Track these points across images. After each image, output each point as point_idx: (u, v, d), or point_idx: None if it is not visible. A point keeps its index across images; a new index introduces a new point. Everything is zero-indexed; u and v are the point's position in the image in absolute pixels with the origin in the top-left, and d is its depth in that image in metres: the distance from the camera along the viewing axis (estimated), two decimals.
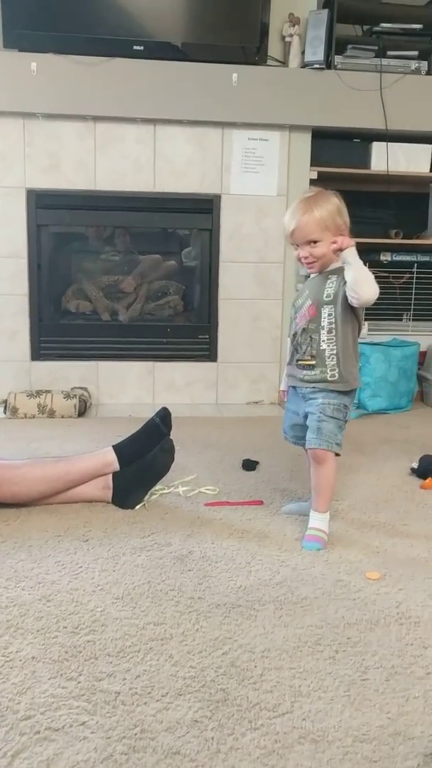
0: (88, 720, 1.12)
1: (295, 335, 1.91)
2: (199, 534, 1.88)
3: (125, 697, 1.18)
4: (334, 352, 1.84)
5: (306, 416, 1.88)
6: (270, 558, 1.74)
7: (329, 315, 1.84)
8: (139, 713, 1.14)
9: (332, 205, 1.81)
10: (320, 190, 1.89)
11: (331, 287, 1.84)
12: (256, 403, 3.57)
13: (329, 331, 1.84)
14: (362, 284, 1.75)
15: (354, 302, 1.79)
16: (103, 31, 3.15)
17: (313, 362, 1.86)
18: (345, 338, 1.84)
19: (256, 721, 1.13)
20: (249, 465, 2.46)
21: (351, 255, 1.76)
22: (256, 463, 2.49)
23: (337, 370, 1.84)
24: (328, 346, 1.84)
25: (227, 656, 1.31)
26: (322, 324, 1.85)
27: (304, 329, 1.88)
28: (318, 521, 1.86)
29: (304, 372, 1.88)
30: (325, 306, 1.85)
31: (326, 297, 1.84)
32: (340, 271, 1.83)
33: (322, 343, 1.85)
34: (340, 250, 1.76)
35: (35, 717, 1.13)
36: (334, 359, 1.84)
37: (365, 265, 1.79)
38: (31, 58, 3.11)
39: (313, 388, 1.86)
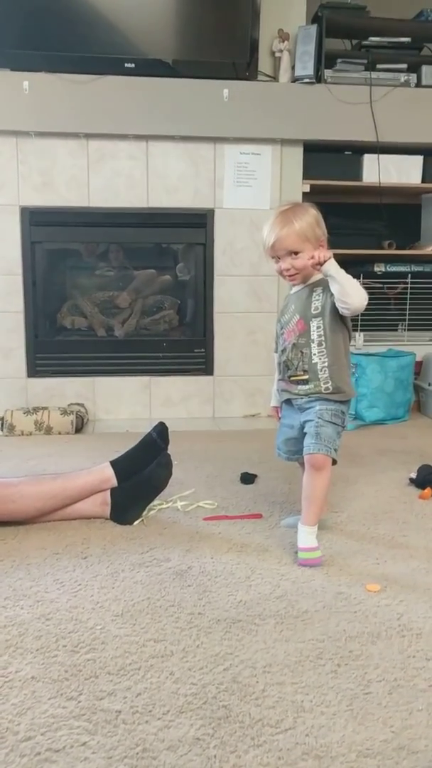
0: (89, 740, 1.11)
1: (284, 351, 1.90)
2: (198, 549, 1.87)
3: (126, 715, 1.17)
4: (326, 364, 1.83)
5: (302, 427, 1.88)
6: (270, 572, 1.73)
7: (318, 328, 1.84)
8: (141, 732, 1.13)
9: (311, 217, 1.82)
10: (296, 202, 1.91)
11: (317, 300, 1.84)
12: (253, 416, 3.56)
13: (319, 344, 1.84)
14: (349, 293, 1.75)
15: (346, 312, 1.79)
16: (95, 49, 3.18)
17: (306, 377, 1.86)
18: (336, 349, 1.84)
19: (258, 738, 1.12)
20: (247, 478, 2.46)
21: (331, 267, 1.76)
22: (255, 476, 2.49)
23: (330, 383, 1.83)
24: (320, 359, 1.84)
25: (228, 672, 1.30)
26: (312, 337, 1.85)
27: (294, 344, 1.87)
28: (306, 539, 1.81)
29: (299, 387, 1.87)
30: (313, 319, 1.85)
31: (314, 310, 1.84)
32: (324, 283, 1.83)
33: (313, 357, 1.85)
34: (320, 264, 1.76)
35: (35, 738, 1.11)
36: (327, 372, 1.83)
37: (358, 276, 1.80)
38: (23, 77, 3.13)
39: (309, 398, 1.86)
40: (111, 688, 1.25)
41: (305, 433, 1.86)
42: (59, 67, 3.15)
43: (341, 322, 1.84)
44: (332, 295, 1.79)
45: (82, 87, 3.17)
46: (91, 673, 1.30)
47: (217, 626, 1.46)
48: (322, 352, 1.83)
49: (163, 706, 1.20)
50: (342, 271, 1.76)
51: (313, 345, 1.85)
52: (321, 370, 1.84)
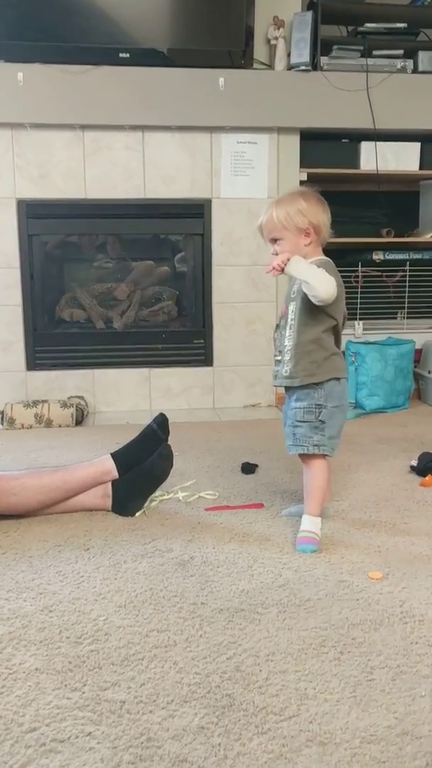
0: (93, 730, 1.12)
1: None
2: (200, 539, 1.87)
3: (130, 705, 1.18)
4: (290, 347, 1.85)
5: None
6: (272, 561, 1.73)
7: (293, 311, 1.86)
8: (145, 722, 1.14)
9: (293, 207, 1.81)
10: (300, 189, 1.91)
11: (296, 284, 1.86)
12: (253, 406, 3.56)
13: (290, 327, 1.86)
14: (314, 287, 1.75)
15: (317, 303, 1.78)
16: (89, 40, 3.16)
17: (279, 358, 1.89)
18: (302, 334, 1.83)
19: (262, 726, 1.12)
20: (248, 468, 2.46)
21: (291, 268, 1.77)
22: (255, 466, 2.49)
23: (290, 365, 1.84)
24: (289, 341, 1.86)
25: (232, 661, 1.30)
26: (288, 320, 1.87)
27: (278, 325, 1.92)
28: (309, 524, 1.84)
29: (276, 369, 1.91)
30: (291, 303, 1.87)
31: (292, 294, 1.87)
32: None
33: (285, 339, 1.87)
34: (282, 271, 1.78)
35: (40, 729, 1.12)
36: (289, 354, 1.85)
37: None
38: (18, 69, 3.11)
39: (283, 381, 1.88)
40: (115, 679, 1.25)
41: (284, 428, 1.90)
42: (53, 58, 3.12)
43: (320, 309, 1.82)
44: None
45: (76, 78, 3.15)
46: (95, 664, 1.30)
47: (220, 616, 1.47)
48: (291, 335, 1.85)
49: (167, 695, 1.20)
50: (302, 268, 1.77)
51: (287, 328, 1.87)
52: (287, 353, 1.86)
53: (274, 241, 1.86)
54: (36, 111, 3.17)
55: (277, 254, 1.87)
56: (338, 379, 1.86)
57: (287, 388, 1.90)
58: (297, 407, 1.85)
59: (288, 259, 1.78)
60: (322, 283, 1.75)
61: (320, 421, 1.83)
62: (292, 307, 1.86)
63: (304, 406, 1.84)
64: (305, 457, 1.86)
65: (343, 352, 1.99)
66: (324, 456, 1.85)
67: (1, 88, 3.12)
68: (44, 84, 3.14)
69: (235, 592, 1.57)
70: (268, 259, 3.41)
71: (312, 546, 1.80)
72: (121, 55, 3.17)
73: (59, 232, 3.49)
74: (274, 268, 1.79)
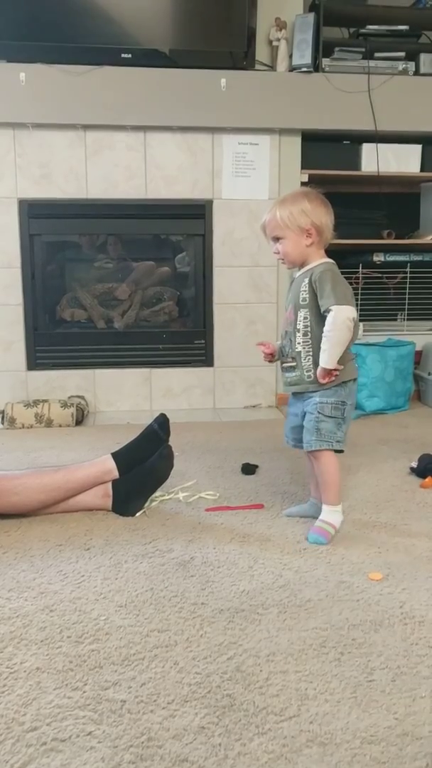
0: (94, 730, 1.12)
1: (283, 336, 1.96)
2: (201, 539, 1.88)
3: (131, 705, 1.18)
4: (311, 353, 1.87)
5: (305, 415, 1.89)
6: (272, 561, 1.74)
7: (305, 318, 1.87)
8: (146, 721, 1.14)
9: (296, 206, 1.83)
10: (304, 190, 1.92)
11: (305, 291, 1.87)
12: (254, 406, 3.57)
13: (304, 334, 1.88)
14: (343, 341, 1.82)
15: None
16: (91, 40, 3.16)
17: (294, 364, 1.91)
18: (320, 341, 1.85)
19: (263, 726, 1.13)
20: (248, 469, 2.46)
21: (331, 363, 1.81)
22: (256, 466, 2.49)
23: (312, 371, 1.86)
24: (304, 348, 1.88)
25: (232, 661, 1.31)
26: (298, 327, 1.89)
27: (286, 332, 1.94)
28: (327, 513, 1.89)
29: (287, 375, 1.94)
30: (301, 309, 1.88)
31: (302, 301, 1.88)
32: (312, 272, 1.86)
33: (297, 345, 1.89)
34: (333, 375, 1.83)
35: (41, 728, 1.12)
36: (310, 360, 1.87)
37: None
38: (20, 69, 3.11)
39: (299, 386, 1.90)
40: (115, 678, 1.25)
41: (304, 424, 1.89)
42: (56, 58, 3.13)
43: None
44: (317, 296, 1.84)
45: (79, 78, 3.16)
46: (96, 663, 1.30)
47: (221, 616, 1.47)
48: (307, 342, 1.87)
49: (167, 695, 1.21)
50: (334, 355, 1.80)
51: (298, 334, 1.89)
52: (305, 359, 1.88)
53: (277, 239, 1.88)
54: (38, 111, 3.18)
55: (278, 253, 1.89)
56: (355, 379, 1.93)
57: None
58: (324, 402, 1.86)
59: (324, 370, 1.82)
60: (341, 344, 1.81)
61: (344, 417, 1.88)
62: (302, 314, 1.87)
63: (332, 402, 1.86)
64: (317, 455, 1.88)
65: None
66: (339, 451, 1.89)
67: (3, 88, 3.13)
68: (46, 84, 3.14)
69: (235, 593, 1.57)
70: (269, 261, 3.45)
71: (323, 539, 1.83)
72: (123, 55, 3.17)
73: (60, 231, 3.49)
74: (329, 374, 1.83)
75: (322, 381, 1.84)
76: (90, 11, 3.15)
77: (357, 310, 1.87)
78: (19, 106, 3.16)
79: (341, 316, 1.79)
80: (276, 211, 1.85)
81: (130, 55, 3.18)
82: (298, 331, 1.88)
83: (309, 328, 1.86)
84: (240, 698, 1.20)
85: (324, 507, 1.90)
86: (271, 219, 1.87)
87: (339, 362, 1.83)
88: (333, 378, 1.84)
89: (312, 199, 1.85)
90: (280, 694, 1.21)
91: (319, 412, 1.85)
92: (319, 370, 1.83)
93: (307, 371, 1.88)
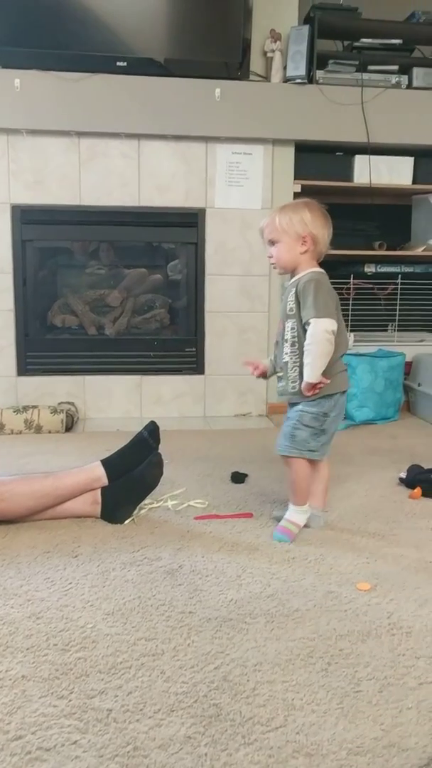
0: (79, 738, 1.11)
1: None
2: (189, 548, 1.87)
3: (117, 714, 1.17)
4: (297, 364, 1.88)
5: None
6: (261, 571, 1.73)
7: (292, 329, 1.90)
8: (132, 730, 1.13)
9: (296, 214, 1.88)
10: (307, 200, 1.94)
11: (292, 300, 1.89)
12: (244, 415, 3.57)
13: (292, 344, 1.90)
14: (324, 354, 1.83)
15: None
16: (87, 48, 3.17)
17: (281, 374, 1.94)
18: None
19: (249, 736, 1.12)
20: (238, 478, 2.46)
21: (313, 377, 1.83)
22: (245, 475, 2.49)
23: (298, 382, 1.88)
24: (291, 358, 1.90)
25: (219, 671, 1.30)
26: (286, 337, 1.91)
27: (276, 342, 1.97)
28: (292, 513, 1.95)
29: (278, 384, 1.97)
30: (288, 319, 1.90)
31: (289, 311, 1.90)
32: (298, 282, 1.88)
33: (284, 356, 1.92)
34: (316, 388, 1.85)
35: (26, 737, 1.11)
36: (296, 371, 1.88)
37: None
38: (15, 75, 3.12)
39: (285, 399, 1.94)
40: (102, 687, 1.25)
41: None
42: (51, 64, 3.13)
43: None
44: (301, 308, 1.86)
45: (73, 85, 3.16)
46: (82, 671, 1.30)
47: (208, 625, 1.47)
48: (294, 352, 1.89)
49: (154, 704, 1.20)
50: (317, 368, 1.82)
51: (285, 344, 1.91)
52: (291, 369, 1.90)
53: (272, 243, 1.91)
54: (33, 117, 3.18)
55: (272, 257, 1.92)
56: (344, 392, 1.93)
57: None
58: (305, 411, 1.89)
59: (308, 384, 1.84)
60: (322, 356, 1.82)
61: (322, 429, 1.90)
62: (289, 324, 1.90)
63: (313, 412, 1.88)
64: (286, 460, 1.93)
65: None
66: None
67: None
68: (41, 90, 3.15)
69: (223, 602, 1.57)
70: (261, 270, 3.45)
71: (286, 537, 1.90)
72: (118, 63, 3.18)
73: (53, 238, 3.49)
74: (314, 387, 1.84)
75: (306, 393, 1.85)
76: (86, 19, 3.16)
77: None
78: (14, 111, 3.16)
79: (319, 329, 1.81)
80: (276, 216, 1.89)
81: (125, 63, 3.19)
82: (286, 341, 1.91)
83: (296, 339, 1.88)
84: (226, 708, 1.19)
85: (290, 506, 1.96)
86: (270, 223, 1.90)
87: (327, 374, 1.84)
88: (318, 391, 1.85)
89: (313, 210, 1.89)
90: (266, 704, 1.20)
91: (298, 420, 1.89)
92: (303, 383, 1.85)
93: (292, 382, 1.90)
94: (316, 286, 1.84)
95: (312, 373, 1.82)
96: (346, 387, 1.94)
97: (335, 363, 1.88)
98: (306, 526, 1.98)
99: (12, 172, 3.26)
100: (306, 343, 1.84)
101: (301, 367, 1.87)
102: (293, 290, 1.88)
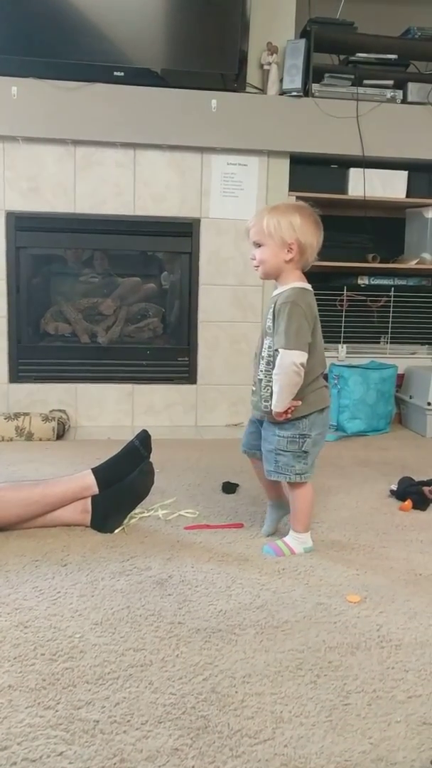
0: (65, 750, 1.10)
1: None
2: (179, 558, 1.86)
3: (104, 725, 1.16)
4: (270, 383, 1.82)
5: (262, 435, 1.89)
6: (250, 581, 1.73)
7: (269, 347, 1.83)
8: (119, 742, 1.12)
9: (285, 218, 1.77)
10: (300, 204, 1.86)
11: (270, 318, 1.82)
12: (236, 425, 3.56)
13: (267, 363, 1.83)
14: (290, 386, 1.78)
15: None
16: (84, 57, 3.18)
17: (254, 388, 1.89)
18: None
19: (237, 749, 1.11)
20: (229, 488, 2.45)
21: (280, 406, 1.79)
22: (236, 485, 2.48)
23: (270, 402, 1.82)
24: (265, 376, 1.84)
25: (208, 682, 1.29)
26: (262, 354, 1.85)
27: (255, 354, 1.91)
28: (291, 538, 1.91)
29: (251, 397, 1.92)
30: (266, 336, 1.84)
31: (267, 328, 1.84)
32: (278, 297, 1.81)
33: (259, 372, 1.86)
34: (287, 414, 1.80)
35: (11, 747, 1.10)
36: (269, 390, 1.82)
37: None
38: (12, 83, 3.12)
39: (256, 414, 1.89)
40: (89, 698, 1.24)
41: (263, 450, 1.89)
42: (48, 73, 3.14)
43: None
44: (274, 331, 1.81)
45: (70, 94, 3.17)
46: (69, 682, 1.28)
47: (197, 636, 1.46)
48: (269, 370, 1.82)
49: (141, 716, 1.19)
50: (283, 399, 1.78)
51: (262, 362, 1.85)
52: (264, 388, 1.84)
53: (257, 245, 1.82)
54: (29, 125, 3.18)
55: (254, 259, 1.83)
56: (321, 410, 1.86)
57: None
58: (281, 436, 1.83)
59: (276, 412, 1.79)
60: (289, 387, 1.76)
61: (303, 451, 1.84)
62: (267, 342, 1.84)
63: (288, 436, 1.83)
64: (287, 484, 1.89)
65: (326, 376, 1.96)
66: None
67: None
68: (38, 98, 3.16)
69: (212, 613, 1.56)
70: (254, 281, 3.46)
71: (273, 552, 1.89)
72: (115, 73, 3.20)
73: (47, 245, 3.49)
74: (282, 414, 1.79)
75: (277, 419, 1.80)
76: (85, 29, 3.17)
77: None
78: (10, 119, 3.16)
79: (287, 361, 1.75)
80: (264, 217, 1.78)
81: (122, 74, 3.20)
82: (263, 358, 1.85)
83: (272, 358, 1.82)
84: (214, 720, 1.18)
85: (291, 532, 1.91)
86: (257, 223, 1.80)
87: (299, 396, 1.79)
88: (289, 415, 1.80)
89: (304, 216, 1.79)
90: (255, 717, 1.20)
91: (276, 447, 1.84)
92: (273, 410, 1.80)
93: (264, 400, 1.83)
94: (291, 311, 1.76)
95: (279, 403, 1.77)
96: (325, 404, 1.86)
97: (310, 384, 1.81)
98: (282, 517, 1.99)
99: (7, 179, 3.26)
100: (274, 372, 1.78)
101: (273, 387, 1.81)
102: (272, 307, 1.82)
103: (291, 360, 1.75)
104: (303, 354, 1.76)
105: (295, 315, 1.76)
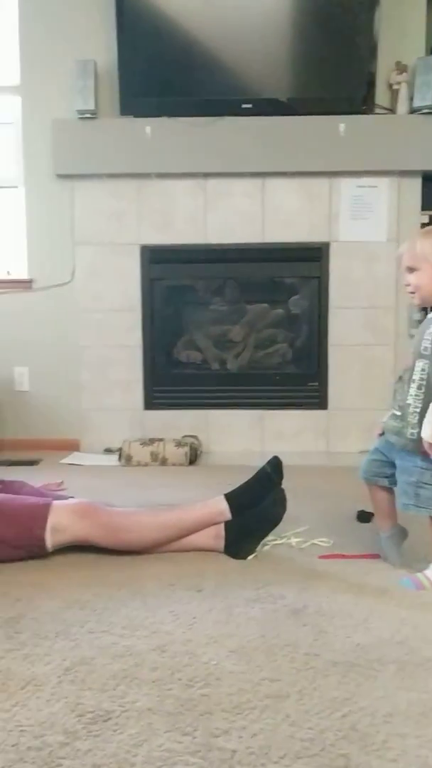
0: None
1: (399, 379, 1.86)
2: (314, 587, 1.82)
3: (242, 756, 1.15)
4: (418, 410, 1.74)
5: (393, 464, 1.83)
6: (389, 615, 1.66)
7: (422, 370, 1.75)
8: None
9: None
10: None
11: (428, 339, 1.75)
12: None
13: (419, 387, 1.75)
14: None
15: None
16: (213, 93, 3.28)
17: (399, 413, 1.80)
18: None
19: None
20: (364, 517, 2.38)
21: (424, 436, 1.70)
22: (371, 514, 2.40)
23: (417, 430, 1.73)
24: (414, 401, 1.76)
25: (347, 719, 1.25)
26: (413, 377, 1.77)
27: (400, 377, 1.83)
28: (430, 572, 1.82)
29: (391, 422, 1.83)
30: (420, 359, 1.76)
31: (423, 350, 1.76)
32: None
33: (408, 397, 1.77)
34: None
35: None
36: (417, 417, 1.74)
37: None
38: (146, 123, 3.28)
39: (398, 438, 1.80)
40: (226, 726, 1.23)
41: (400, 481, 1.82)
42: (179, 111, 3.28)
43: None
44: None
45: (200, 129, 3.28)
46: (206, 709, 1.28)
47: (334, 669, 1.41)
48: (419, 396, 1.75)
49: (279, 749, 1.17)
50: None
51: (412, 385, 1.77)
52: (411, 414, 1.76)
53: (411, 271, 1.79)
54: (162, 162, 3.32)
55: (409, 285, 1.80)
56: None
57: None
58: (425, 468, 1.76)
59: (427, 443, 1.71)
60: None
61: None
62: (420, 364, 1.76)
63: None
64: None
65: None
66: None
67: (130, 141, 3.30)
68: (170, 136, 3.29)
69: (350, 646, 1.51)
70: (386, 302, 3.37)
71: (412, 585, 1.80)
72: (243, 105, 3.27)
73: (179, 276, 3.60)
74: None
75: (428, 451, 1.71)
76: (212, 65, 3.28)
77: None
78: (144, 157, 3.32)
79: None
80: (418, 241, 1.76)
81: (250, 105, 3.27)
82: (413, 381, 1.76)
83: (424, 381, 1.74)
84: (356, 759, 1.14)
85: (431, 565, 1.82)
86: (410, 248, 1.78)
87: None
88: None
89: None
90: (398, 760, 1.14)
91: (419, 479, 1.76)
92: (424, 441, 1.71)
93: (411, 428, 1.75)
94: None
95: (431, 432, 1.69)
96: None
97: None
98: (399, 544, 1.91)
99: (141, 215, 3.41)
100: None
101: (423, 413, 1.73)
102: (430, 328, 1.76)
103: None
104: None
105: None
